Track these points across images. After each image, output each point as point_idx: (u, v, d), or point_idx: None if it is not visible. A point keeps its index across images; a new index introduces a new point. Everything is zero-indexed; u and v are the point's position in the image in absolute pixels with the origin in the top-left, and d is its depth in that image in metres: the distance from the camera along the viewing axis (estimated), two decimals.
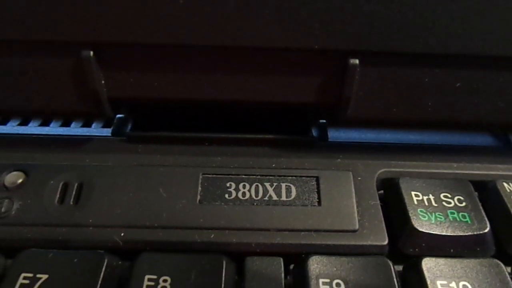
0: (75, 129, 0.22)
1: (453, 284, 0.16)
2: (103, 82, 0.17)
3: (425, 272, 0.16)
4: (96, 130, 0.22)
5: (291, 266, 0.18)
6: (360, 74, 0.17)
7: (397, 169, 0.20)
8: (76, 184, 0.18)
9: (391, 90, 0.17)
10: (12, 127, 0.22)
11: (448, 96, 0.17)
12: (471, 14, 0.16)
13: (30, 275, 0.15)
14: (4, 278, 0.15)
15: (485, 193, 0.19)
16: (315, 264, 0.16)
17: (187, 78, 0.18)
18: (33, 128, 0.22)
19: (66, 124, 0.22)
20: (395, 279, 0.16)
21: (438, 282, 0.16)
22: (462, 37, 0.16)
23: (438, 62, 0.17)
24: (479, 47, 0.16)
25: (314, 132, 0.21)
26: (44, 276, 0.15)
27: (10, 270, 0.16)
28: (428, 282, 0.16)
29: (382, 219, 0.18)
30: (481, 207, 0.18)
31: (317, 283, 0.16)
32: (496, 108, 0.18)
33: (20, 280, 0.15)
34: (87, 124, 0.22)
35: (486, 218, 0.18)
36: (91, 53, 0.16)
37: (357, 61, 0.17)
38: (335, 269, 0.16)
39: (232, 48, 0.17)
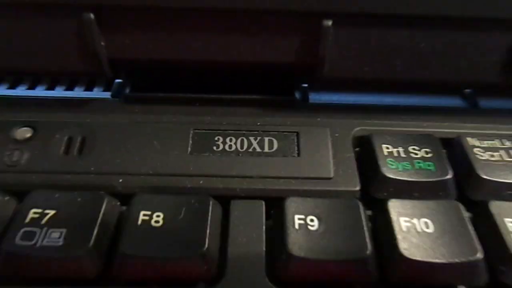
0: (78, 92, 0.24)
1: (414, 220, 0.18)
2: (103, 43, 0.19)
3: (391, 211, 0.18)
4: (97, 93, 0.24)
5: (272, 212, 0.20)
6: (334, 35, 0.19)
7: (372, 128, 0.22)
8: (79, 138, 0.20)
9: (362, 51, 0.19)
10: (21, 90, 0.24)
11: (413, 56, 0.19)
12: None
13: (40, 210, 0.17)
14: (16, 215, 0.18)
15: (451, 147, 0.21)
16: (292, 203, 0.18)
17: (178, 40, 0.19)
18: (40, 92, 0.24)
19: (70, 88, 0.24)
20: (362, 216, 0.18)
21: (402, 219, 0.18)
22: None
23: (403, 23, 0.19)
24: (441, 8, 0.18)
25: (297, 95, 0.23)
26: (52, 212, 0.17)
27: (21, 207, 0.18)
28: (393, 219, 0.18)
29: (356, 169, 0.20)
30: (445, 158, 0.20)
31: (293, 219, 0.17)
32: (458, 69, 0.20)
33: (31, 215, 0.17)
34: (89, 88, 0.24)
35: (449, 167, 0.19)
36: (92, 15, 0.18)
37: (330, 23, 0.18)
38: (310, 208, 0.18)
39: (219, 11, 0.19)
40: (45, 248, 0.16)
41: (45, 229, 0.17)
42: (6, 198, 0.18)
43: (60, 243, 0.16)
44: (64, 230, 0.17)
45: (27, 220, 0.17)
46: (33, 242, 0.16)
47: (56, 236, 0.17)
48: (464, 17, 0.18)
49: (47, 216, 0.17)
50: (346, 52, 0.19)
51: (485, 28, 0.19)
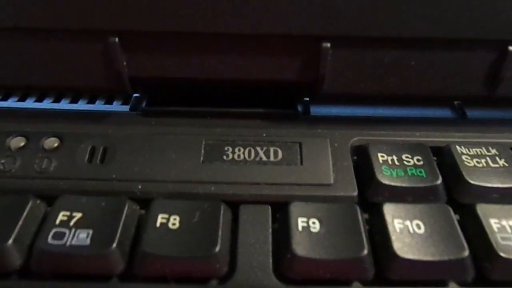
0: (99, 105, 0.26)
1: (407, 222, 0.19)
2: (125, 63, 0.21)
3: (386, 214, 0.20)
4: (117, 106, 0.26)
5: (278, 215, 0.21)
6: (332, 56, 0.21)
7: (368, 138, 0.23)
8: (101, 148, 0.22)
9: (358, 69, 0.21)
10: (47, 104, 0.26)
11: (405, 73, 0.21)
12: (419, 3, 0.20)
13: (68, 213, 0.19)
14: (46, 217, 0.19)
15: (441, 155, 0.23)
16: (296, 207, 0.20)
17: (192, 60, 0.22)
18: (65, 105, 0.26)
19: (92, 101, 0.26)
20: (360, 219, 0.19)
21: (395, 221, 0.19)
22: (414, 22, 0.20)
23: (394, 44, 0.20)
24: (429, 31, 0.20)
25: (299, 108, 0.25)
26: (79, 214, 0.19)
27: (52, 210, 0.19)
28: (388, 221, 0.19)
29: (354, 176, 0.22)
30: (435, 165, 0.22)
31: (297, 222, 0.19)
32: (446, 83, 0.22)
33: (60, 217, 0.19)
34: (109, 102, 0.26)
35: (439, 173, 0.21)
36: (116, 39, 0.20)
37: (328, 45, 0.20)
38: (312, 212, 0.20)
39: (229, 35, 0.21)
40: (74, 247, 0.18)
41: (73, 230, 0.19)
42: (38, 201, 0.20)
43: (88, 243, 0.18)
44: (90, 231, 0.19)
45: (57, 222, 0.19)
46: (63, 241, 0.18)
47: (83, 237, 0.18)
48: (449, 39, 0.20)
49: (75, 218, 0.19)
50: (343, 70, 0.21)
51: (468, 47, 0.21)
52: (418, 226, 0.19)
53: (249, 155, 0.22)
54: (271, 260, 0.18)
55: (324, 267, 0.18)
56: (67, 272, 0.18)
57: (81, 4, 0.20)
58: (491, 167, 0.22)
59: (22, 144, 0.22)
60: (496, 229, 0.19)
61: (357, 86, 0.22)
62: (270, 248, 0.19)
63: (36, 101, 0.26)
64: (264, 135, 0.23)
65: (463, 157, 0.22)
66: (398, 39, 0.20)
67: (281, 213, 0.20)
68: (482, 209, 0.20)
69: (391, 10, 0.20)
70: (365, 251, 0.18)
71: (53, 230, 0.19)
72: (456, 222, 0.19)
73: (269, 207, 0.20)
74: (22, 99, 0.26)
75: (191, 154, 0.22)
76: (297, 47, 0.21)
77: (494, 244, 0.18)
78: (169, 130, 0.23)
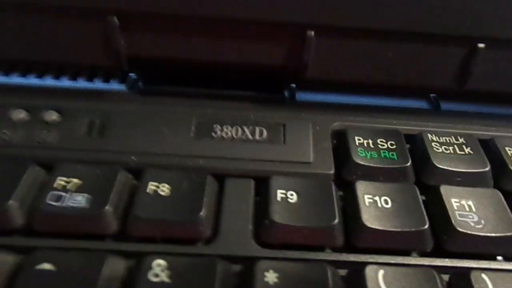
0: (98, 84, 0.27)
1: (376, 198, 0.21)
2: (123, 42, 0.23)
3: (357, 190, 0.21)
4: (115, 85, 0.27)
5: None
6: (315, 44, 0.22)
7: (348, 123, 0.25)
8: (99, 122, 0.24)
9: (340, 57, 0.23)
10: (48, 80, 0.27)
11: (383, 64, 0.23)
12: None
13: (65, 178, 0.21)
14: (46, 182, 0.21)
15: (413, 142, 0.25)
16: (276, 180, 0.22)
17: (186, 43, 0.23)
18: (65, 82, 0.27)
19: (91, 80, 0.27)
20: (333, 193, 0.21)
21: (366, 196, 0.21)
22: (391, 15, 0.22)
23: (374, 35, 0.22)
24: (404, 24, 0.22)
25: (286, 93, 0.27)
26: (76, 180, 0.21)
27: (51, 175, 0.21)
28: (359, 196, 0.21)
29: (332, 156, 0.23)
30: (407, 150, 0.24)
31: (276, 193, 0.21)
32: (421, 75, 0.24)
33: (57, 182, 0.21)
34: (107, 81, 0.27)
35: (409, 156, 0.23)
36: (116, 18, 0.22)
37: (312, 33, 0.22)
38: (291, 185, 0.21)
39: (221, 19, 0.23)
40: (71, 208, 0.20)
41: (70, 193, 0.20)
42: (36, 167, 0.21)
43: (83, 204, 0.20)
44: (86, 195, 0.20)
45: (56, 185, 0.20)
46: (61, 203, 0.20)
47: (80, 199, 0.20)
48: (423, 33, 0.22)
49: (72, 183, 0.21)
50: (326, 58, 0.23)
51: (441, 43, 0.23)
52: (386, 202, 0.21)
53: (236, 133, 0.24)
54: (251, 227, 0.20)
55: (299, 234, 0.20)
56: (65, 231, 0.20)
57: None
58: (457, 153, 0.24)
59: (22, 115, 0.24)
60: (455, 207, 0.21)
61: (338, 73, 0.23)
62: (251, 216, 0.21)
63: (37, 77, 0.27)
64: (252, 116, 0.25)
65: (433, 144, 0.24)
66: (377, 31, 0.22)
67: (262, 186, 0.22)
68: (445, 189, 0.22)
69: (371, 2, 0.22)
70: (336, 221, 0.20)
71: (51, 192, 0.20)
72: (420, 200, 0.21)
73: (252, 180, 0.22)
74: (24, 75, 0.28)
75: (183, 130, 0.24)
76: (283, 34, 0.22)
77: (453, 220, 0.20)
78: (163, 108, 0.25)
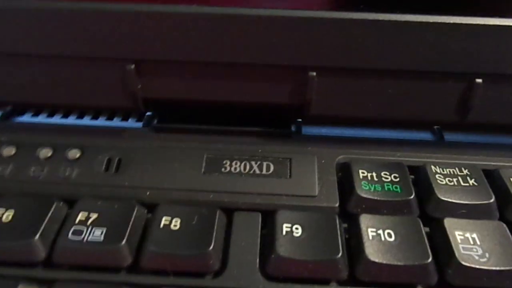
0: (117, 122, 0.29)
1: (380, 231, 0.22)
2: (139, 86, 0.25)
3: (361, 223, 0.22)
4: (132, 123, 0.29)
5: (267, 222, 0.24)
6: (317, 83, 0.24)
7: (353, 156, 0.26)
8: (116, 159, 0.25)
9: (341, 94, 0.24)
10: (72, 120, 0.30)
11: (382, 99, 0.24)
12: (397, 39, 0.23)
13: (86, 213, 0.22)
14: (67, 217, 0.23)
15: (417, 173, 0.25)
16: (282, 214, 0.22)
17: (197, 85, 0.25)
18: (87, 121, 0.29)
19: (110, 118, 0.30)
20: (338, 227, 0.22)
21: (369, 229, 0.22)
22: (390, 56, 0.23)
23: (373, 74, 0.23)
24: (403, 63, 0.23)
25: (292, 128, 0.28)
26: (95, 215, 0.22)
27: (72, 211, 0.23)
28: (363, 229, 0.22)
29: (337, 189, 0.24)
30: (410, 182, 0.24)
31: (281, 227, 0.22)
32: (422, 109, 0.24)
33: (79, 217, 0.22)
34: (125, 119, 0.30)
35: (412, 189, 0.24)
36: (133, 66, 0.24)
37: (314, 73, 0.24)
38: (296, 219, 0.22)
39: (228, 64, 0.24)
40: (90, 242, 0.21)
41: (90, 227, 0.22)
42: (61, 203, 0.23)
43: (101, 239, 0.21)
44: (104, 229, 0.22)
45: (77, 221, 0.22)
46: (81, 237, 0.21)
47: (98, 234, 0.21)
48: (421, 71, 0.23)
49: (92, 218, 0.22)
50: (328, 95, 0.24)
51: (439, 79, 0.24)
52: (389, 235, 0.22)
53: (245, 168, 0.25)
54: (258, 260, 0.21)
55: (304, 267, 0.20)
56: (84, 263, 0.21)
57: (103, 35, 0.24)
58: (461, 185, 0.24)
59: (49, 154, 0.26)
60: (459, 240, 0.21)
61: (340, 109, 0.24)
62: (258, 250, 0.21)
63: (62, 117, 0.30)
64: (259, 151, 0.26)
65: (437, 176, 0.24)
66: (376, 70, 0.23)
67: (269, 220, 0.23)
68: (449, 222, 0.22)
69: (369, 45, 0.23)
70: (340, 254, 0.20)
71: (73, 228, 0.22)
72: (423, 233, 0.22)
73: (260, 214, 0.23)
74: (51, 115, 0.30)
75: (194, 165, 0.25)
76: (286, 75, 0.24)
77: (457, 253, 0.21)
78: (176, 144, 0.26)
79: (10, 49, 0.25)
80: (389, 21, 0.22)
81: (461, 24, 0.22)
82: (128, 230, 0.21)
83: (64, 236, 0.21)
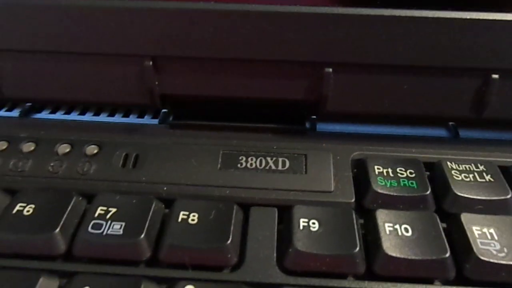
0: (133, 119, 0.30)
1: (397, 226, 0.22)
2: (156, 83, 0.25)
3: (378, 218, 0.22)
4: (148, 120, 0.30)
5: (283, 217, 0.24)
6: (334, 79, 0.24)
7: (368, 152, 0.26)
8: (134, 155, 0.26)
9: (357, 91, 0.24)
10: (89, 116, 0.30)
11: (398, 96, 0.24)
12: (413, 34, 0.23)
13: (105, 208, 0.22)
14: (87, 211, 0.23)
15: (433, 170, 0.25)
16: (298, 209, 0.23)
17: (214, 81, 0.25)
18: (104, 118, 0.30)
19: (127, 115, 0.30)
20: (354, 221, 0.22)
21: (386, 225, 0.22)
22: (406, 51, 0.23)
23: (389, 70, 0.23)
24: (419, 59, 0.23)
25: (307, 124, 0.28)
26: (114, 209, 0.22)
27: (91, 205, 0.23)
28: (379, 224, 0.22)
29: (352, 185, 0.24)
30: (426, 178, 0.24)
31: (298, 222, 0.22)
32: (438, 105, 0.24)
33: (98, 211, 0.22)
34: (141, 116, 0.30)
35: (428, 185, 0.24)
36: (150, 62, 0.24)
37: (330, 70, 0.24)
38: (312, 214, 0.22)
39: (246, 60, 0.24)
40: (110, 236, 0.21)
41: (109, 222, 0.22)
42: (80, 198, 0.24)
43: (121, 233, 0.21)
44: (123, 223, 0.22)
45: (96, 215, 0.22)
46: (100, 231, 0.22)
47: (117, 228, 0.22)
48: (437, 66, 0.23)
49: (111, 213, 0.22)
50: (344, 92, 0.24)
51: (455, 75, 0.24)
52: (406, 230, 0.22)
53: (260, 164, 0.25)
54: (275, 254, 0.21)
55: (321, 261, 0.20)
56: (103, 257, 0.21)
57: (120, 32, 0.24)
58: (478, 181, 0.24)
59: (68, 150, 0.26)
60: (477, 235, 0.21)
61: (356, 106, 0.25)
62: (275, 244, 0.22)
63: (79, 114, 0.30)
64: (275, 147, 0.26)
65: (453, 172, 0.24)
66: (391, 66, 0.23)
67: (285, 215, 0.23)
68: (466, 217, 0.22)
69: (385, 40, 0.23)
70: (357, 249, 0.20)
71: (93, 222, 0.22)
72: (440, 228, 0.22)
73: (276, 209, 0.23)
74: (68, 112, 0.31)
75: (210, 161, 0.25)
76: (303, 71, 0.24)
77: (474, 248, 0.21)
78: (192, 141, 0.27)
79: (29, 46, 0.26)
80: (405, 17, 0.22)
81: (477, 19, 0.22)
82: (147, 224, 0.22)
83: (84, 230, 0.22)
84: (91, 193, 0.24)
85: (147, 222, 0.22)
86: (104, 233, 0.21)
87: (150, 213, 0.22)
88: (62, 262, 0.21)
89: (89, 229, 0.22)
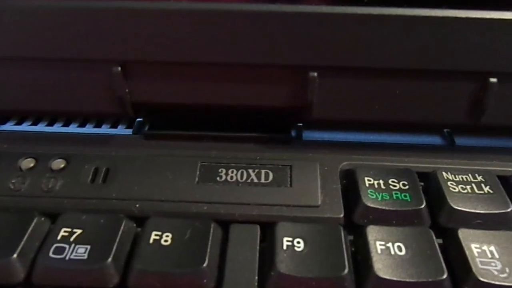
0: (105, 129, 0.28)
1: (389, 244, 0.20)
2: (127, 90, 0.23)
3: (368, 236, 0.20)
4: (121, 130, 0.28)
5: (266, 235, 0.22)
6: (319, 84, 0.22)
7: (358, 162, 0.24)
8: (104, 169, 0.24)
9: (345, 96, 0.22)
10: (57, 128, 0.28)
11: (389, 101, 0.22)
12: (405, 35, 0.21)
13: (69, 229, 0.21)
14: (49, 233, 0.21)
15: (427, 180, 0.23)
16: (282, 227, 0.21)
17: (189, 87, 0.23)
18: (73, 128, 0.28)
19: (98, 125, 0.28)
20: (343, 240, 0.20)
21: (378, 243, 0.20)
22: (396, 54, 0.21)
23: (378, 74, 0.22)
24: (410, 62, 0.21)
25: (292, 133, 0.27)
26: (79, 231, 0.21)
27: (54, 226, 0.21)
28: (370, 243, 0.20)
29: (341, 198, 0.23)
30: (420, 190, 0.22)
31: (282, 241, 0.20)
32: (431, 112, 0.23)
33: (61, 233, 0.20)
34: (114, 126, 0.28)
35: (423, 198, 0.22)
36: (119, 68, 0.22)
37: (316, 74, 0.22)
38: (297, 232, 0.21)
39: (224, 64, 0.22)
40: (73, 261, 0.19)
41: (73, 245, 0.20)
42: (42, 218, 0.21)
43: (85, 257, 0.19)
44: (88, 247, 0.20)
45: (59, 237, 0.20)
46: (63, 256, 0.20)
47: (82, 251, 0.20)
48: (431, 70, 0.21)
49: (75, 234, 0.20)
50: (331, 97, 0.22)
51: (451, 79, 0.22)
52: (400, 248, 0.20)
53: (241, 177, 0.23)
54: (256, 277, 0.19)
55: (306, 285, 0.19)
56: (66, 284, 0.19)
57: (87, 36, 0.22)
58: (475, 193, 0.22)
59: (32, 165, 0.24)
60: (476, 254, 0.20)
61: (345, 112, 0.23)
62: (257, 266, 0.20)
63: (47, 125, 0.28)
64: (257, 158, 0.24)
65: (449, 183, 0.23)
66: (382, 69, 0.21)
67: (268, 233, 0.21)
68: (463, 233, 0.20)
69: (374, 42, 0.22)
70: (346, 271, 0.19)
71: (55, 245, 0.20)
72: (437, 246, 0.20)
73: (258, 226, 0.21)
74: (34, 123, 0.28)
75: (187, 175, 0.23)
76: (286, 76, 0.22)
77: (474, 268, 0.19)
78: (168, 152, 0.25)
79: None
80: (396, 16, 0.20)
81: (474, 18, 0.21)
82: (115, 247, 0.20)
83: (44, 255, 0.20)
84: (56, 212, 0.22)
85: (115, 244, 0.20)
86: (67, 257, 0.19)
87: (119, 234, 0.20)
88: None
89: (50, 253, 0.20)
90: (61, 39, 0.22)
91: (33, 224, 0.21)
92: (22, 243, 0.20)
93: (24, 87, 0.24)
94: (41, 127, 0.28)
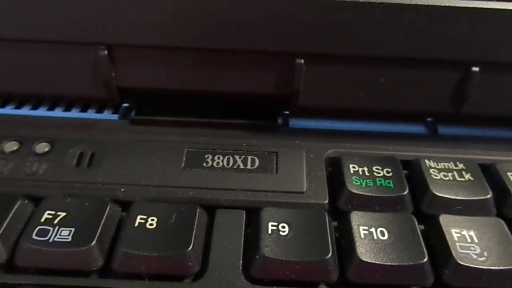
0: (91, 114, 0.27)
1: (372, 229, 0.20)
2: (113, 74, 0.23)
3: (352, 221, 0.21)
4: (107, 115, 0.27)
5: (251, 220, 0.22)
6: (305, 71, 0.22)
7: (343, 150, 0.25)
8: (89, 153, 0.24)
9: (331, 84, 0.23)
10: (42, 111, 0.27)
11: (374, 89, 0.22)
12: (390, 23, 0.22)
13: (53, 212, 0.20)
14: (32, 215, 0.21)
15: (411, 168, 0.24)
16: (267, 212, 0.21)
17: (177, 73, 0.23)
18: (59, 112, 0.27)
19: (84, 110, 0.28)
20: (327, 224, 0.20)
21: (361, 228, 0.20)
22: (381, 42, 0.21)
23: (364, 62, 0.22)
24: (395, 50, 0.22)
25: (279, 120, 0.27)
26: (63, 214, 0.20)
27: (38, 209, 0.21)
28: (354, 227, 0.20)
29: (326, 185, 0.23)
30: (404, 177, 0.23)
31: (267, 226, 0.20)
32: (415, 100, 0.23)
33: (45, 215, 0.20)
34: (100, 111, 0.28)
35: (406, 185, 0.22)
36: (106, 51, 0.22)
37: (302, 61, 0.22)
38: (282, 216, 0.21)
39: (212, 50, 0.22)
40: (57, 243, 0.19)
41: (57, 227, 0.20)
42: (26, 201, 0.21)
43: (69, 239, 0.19)
44: (73, 229, 0.20)
45: (42, 220, 0.20)
46: (46, 238, 0.19)
47: (66, 234, 0.20)
48: (415, 58, 0.22)
49: (59, 217, 0.20)
50: (317, 85, 0.23)
51: (434, 67, 0.22)
52: (382, 233, 0.20)
53: (228, 163, 0.24)
54: (241, 261, 0.19)
55: (290, 269, 0.19)
56: (50, 266, 0.19)
57: (73, 18, 0.22)
58: (457, 180, 0.23)
59: (15, 148, 0.24)
60: (456, 238, 0.20)
61: (330, 100, 0.23)
62: (242, 250, 0.20)
63: (31, 109, 0.28)
64: (244, 144, 0.25)
65: (431, 170, 0.23)
66: (366, 57, 0.22)
67: (253, 218, 0.21)
68: (444, 219, 0.21)
69: (360, 30, 0.22)
70: (329, 255, 0.19)
71: (38, 227, 0.20)
72: (418, 231, 0.20)
73: (244, 212, 0.22)
74: (19, 106, 0.28)
75: (173, 160, 0.23)
76: (273, 62, 0.22)
77: (454, 252, 0.19)
78: (154, 137, 0.25)
79: None
80: (381, 4, 0.21)
81: (456, 7, 0.21)
82: (99, 230, 0.20)
83: (27, 236, 0.19)
84: (40, 196, 0.22)
85: (100, 227, 0.20)
86: (51, 239, 0.19)
87: (104, 217, 0.20)
88: (3, 273, 0.19)
89: (33, 235, 0.19)
90: (47, 21, 0.22)
91: (16, 206, 0.21)
92: (5, 224, 0.20)
93: (9, 69, 0.23)
94: (25, 111, 0.28)
